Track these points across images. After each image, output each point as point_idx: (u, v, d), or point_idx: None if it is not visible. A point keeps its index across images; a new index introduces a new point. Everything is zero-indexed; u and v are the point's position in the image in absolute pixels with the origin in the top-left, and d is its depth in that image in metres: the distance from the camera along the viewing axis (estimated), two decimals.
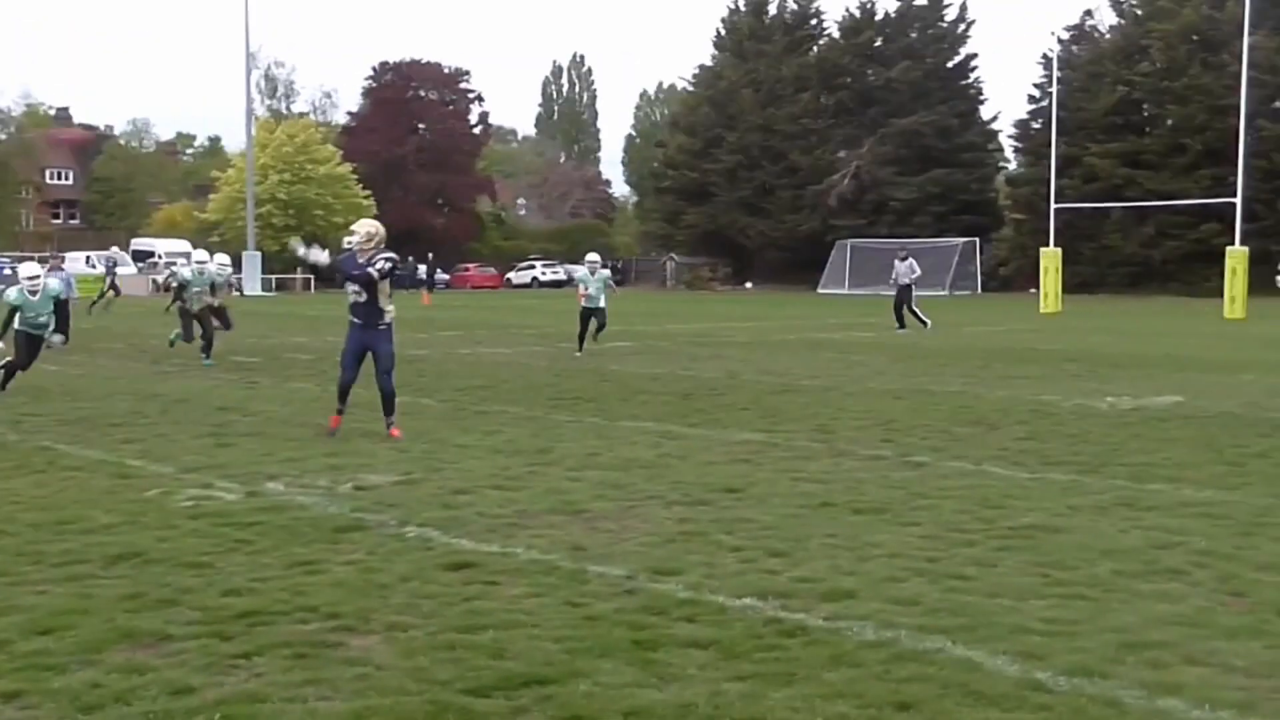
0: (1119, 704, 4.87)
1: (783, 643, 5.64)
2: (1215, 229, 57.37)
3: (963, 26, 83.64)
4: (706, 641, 5.64)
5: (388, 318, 12.17)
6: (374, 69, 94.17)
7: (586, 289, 23.00)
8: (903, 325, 31.28)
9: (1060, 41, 70.22)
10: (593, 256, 23.88)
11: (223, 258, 23.52)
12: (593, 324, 22.71)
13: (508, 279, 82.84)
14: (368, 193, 78.49)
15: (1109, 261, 68.71)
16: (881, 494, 9.25)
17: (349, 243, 12.20)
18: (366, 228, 12.18)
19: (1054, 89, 54.76)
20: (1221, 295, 42.23)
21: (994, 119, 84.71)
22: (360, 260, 11.96)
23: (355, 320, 12.21)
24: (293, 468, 10.38)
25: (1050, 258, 47.63)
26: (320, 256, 12.37)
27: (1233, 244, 43.15)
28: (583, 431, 12.67)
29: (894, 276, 32.73)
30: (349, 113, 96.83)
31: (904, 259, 32.53)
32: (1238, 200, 44.11)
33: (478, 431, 12.48)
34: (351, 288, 12.04)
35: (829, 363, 21.52)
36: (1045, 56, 72.09)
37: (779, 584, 6.66)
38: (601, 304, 22.77)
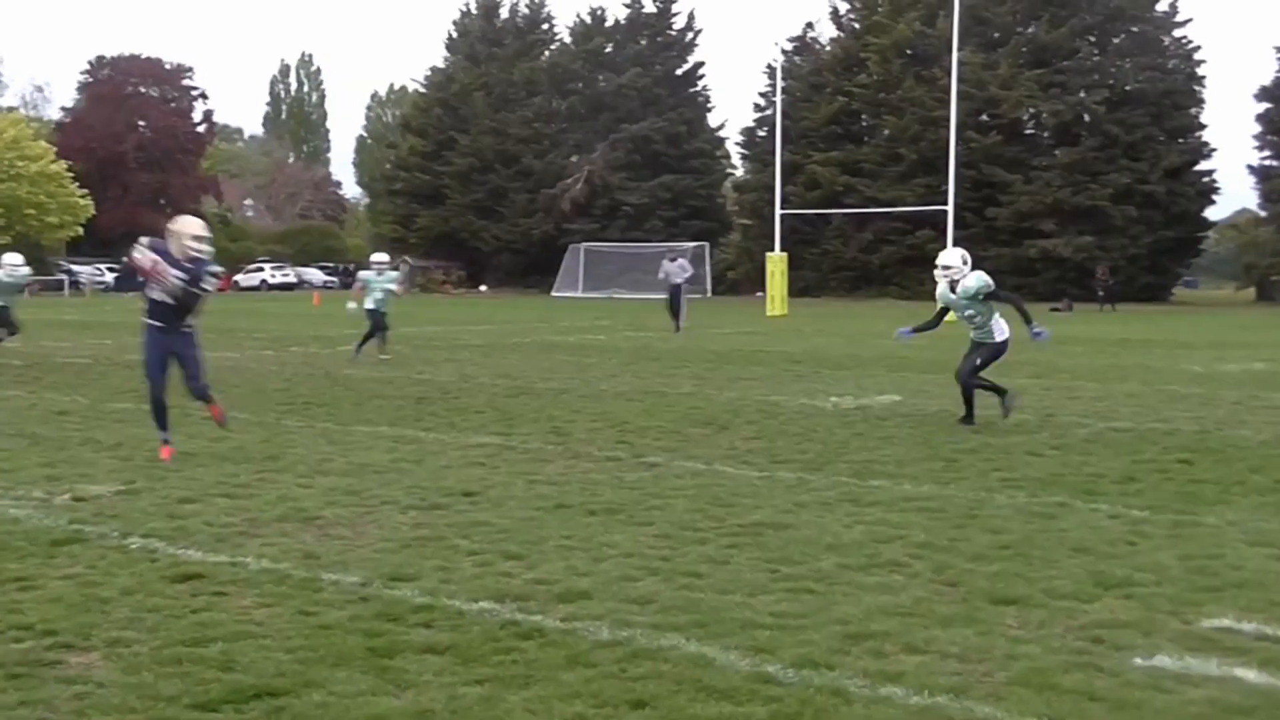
0: (844, 693, 5.04)
1: (520, 645, 5.64)
2: (929, 235, 60.16)
3: (690, 35, 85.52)
4: (443, 646, 5.60)
5: (194, 320, 11.13)
6: (90, 63, 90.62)
7: (368, 290, 22.35)
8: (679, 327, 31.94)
9: (784, 52, 72.50)
10: (380, 256, 23.43)
11: (14, 257, 22.04)
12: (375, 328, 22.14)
13: (235, 281, 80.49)
14: (85, 192, 75.09)
15: (831, 266, 71.33)
16: (616, 495, 9.35)
17: (196, 251, 10.82)
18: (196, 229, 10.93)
19: (778, 98, 56.47)
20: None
21: (721, 126, 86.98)
22: (186, 264, 10.73)
23: (156, 324, 10.98)
24: (3, 479, 9.85)
25: (776, 262, 49.01)
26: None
27: (944, 249, 45.41)
28: (314, 437, 12.42)
29: (663, 275, 33.24)
30: (63, 108, 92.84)
31: (673, 259, 33.14)
32: (949, 208, 46.41)
33: (204, 438, 12.08)
34: (158, 290, 10.78)
35: (563, 365, 21.66)
36: (770, 66, 74.25)
37: (515, 587, 6.66)
38: (384, 308, 22.26)
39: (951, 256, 14.16)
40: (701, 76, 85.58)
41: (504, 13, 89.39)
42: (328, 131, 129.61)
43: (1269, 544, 7.78)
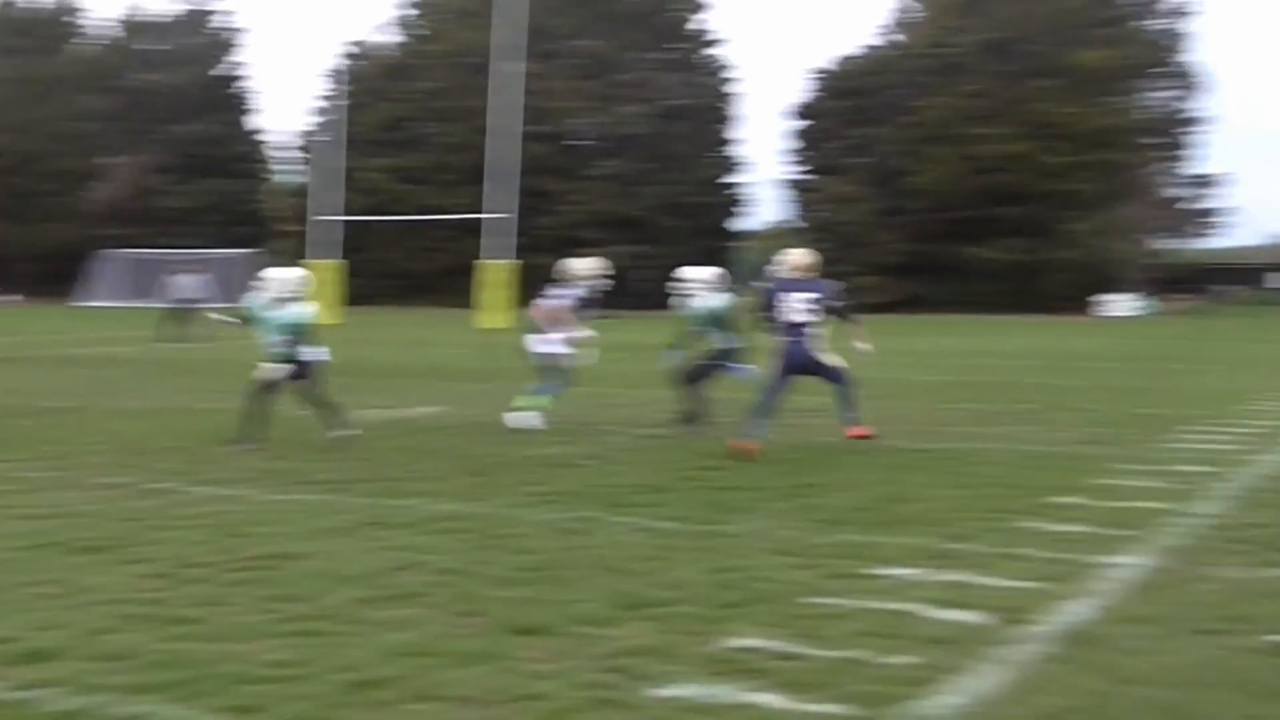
0: None
1: None
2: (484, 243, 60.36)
3: (233, 36, 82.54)
4: None
5: None
6: None
7: None
8: (186, 341, 30.64)
9: (343, 57, 71.11)
10: None
11: None
12: None
13: None
14: None
15: (385, 273, 70.37)
16: (112, 529, 8.37)
17: None
18: None
19: (343, 103, 55.25)
20: (493, 306, 44.43)
21: (268, 131, 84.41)
22: None
23: None
24: None
25: (325, 270, 47.72)
26: None
27: (498, 258, 45.61)
28: None
29: (171, 290, 32.13)
30: None
31: (187, 273, 31.98)
32: (496, 215, 46.60)
33: None
34: None
35: (79, 381, 19.97)
36: (328, 71, 72.70)
37: None
38: None
39: (694, 272, 14.67)
40: (245, 79, 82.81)
41: (37, 4, 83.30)
42: None
43: (790, 552, 7.77)
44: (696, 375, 14.31)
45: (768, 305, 12.29)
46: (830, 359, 12.18)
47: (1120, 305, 65.95)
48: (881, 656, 5.65)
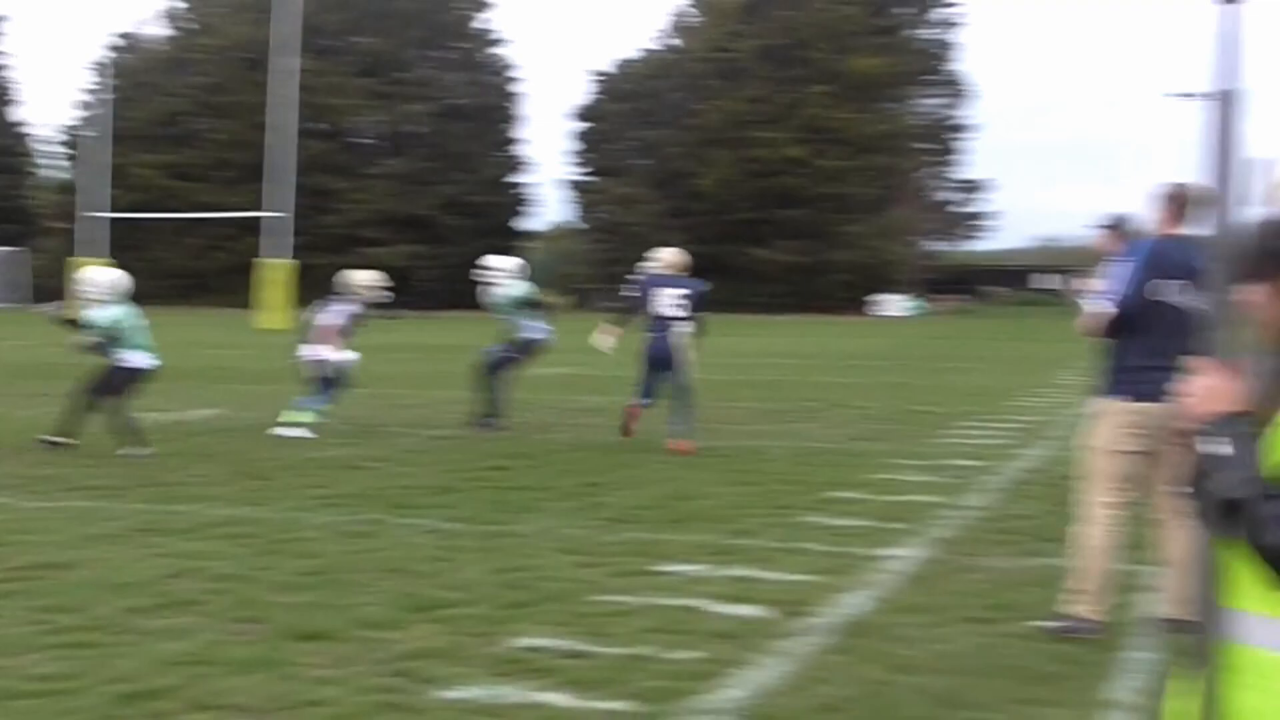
0: None
1: None
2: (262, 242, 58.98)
3: None
4: None
5: None
6: None
7: None
8: None
9: (109, 49, 68.56)
10: None
11: None
12: None
13: None
14: None
15: (163, 273, 68.05)
16: None
17: None
18: None
19: (108, 96, 53.24)
20: (272, 306, 43.48)
21: (33, 124, 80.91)
22: None
23: None
24: None
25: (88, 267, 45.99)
26: None
27: (276, 257, 44.65)
28: None
29: None
30: None
31: None
32: (273, 214, 45.62)
33: None
34: None
35: None
36: (94, 63, 70.01)
37: None
38: None
39: (498, 260, 15.05)
40: (8, 69, 79.12)
41: None
42: None
43: (577, 550, 7.80)
44: (495, 367, 14.36)
45: (638, 299, 12.89)
46: (690, 361, 12.73)
47: (894, 305, 68.11)
48: (667, 652, 5.72)
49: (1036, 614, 6.31)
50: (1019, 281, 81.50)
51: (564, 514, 9.09)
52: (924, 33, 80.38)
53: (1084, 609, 6.07)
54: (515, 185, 78.83)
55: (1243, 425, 2.31)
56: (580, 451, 12.36)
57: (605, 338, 13.44)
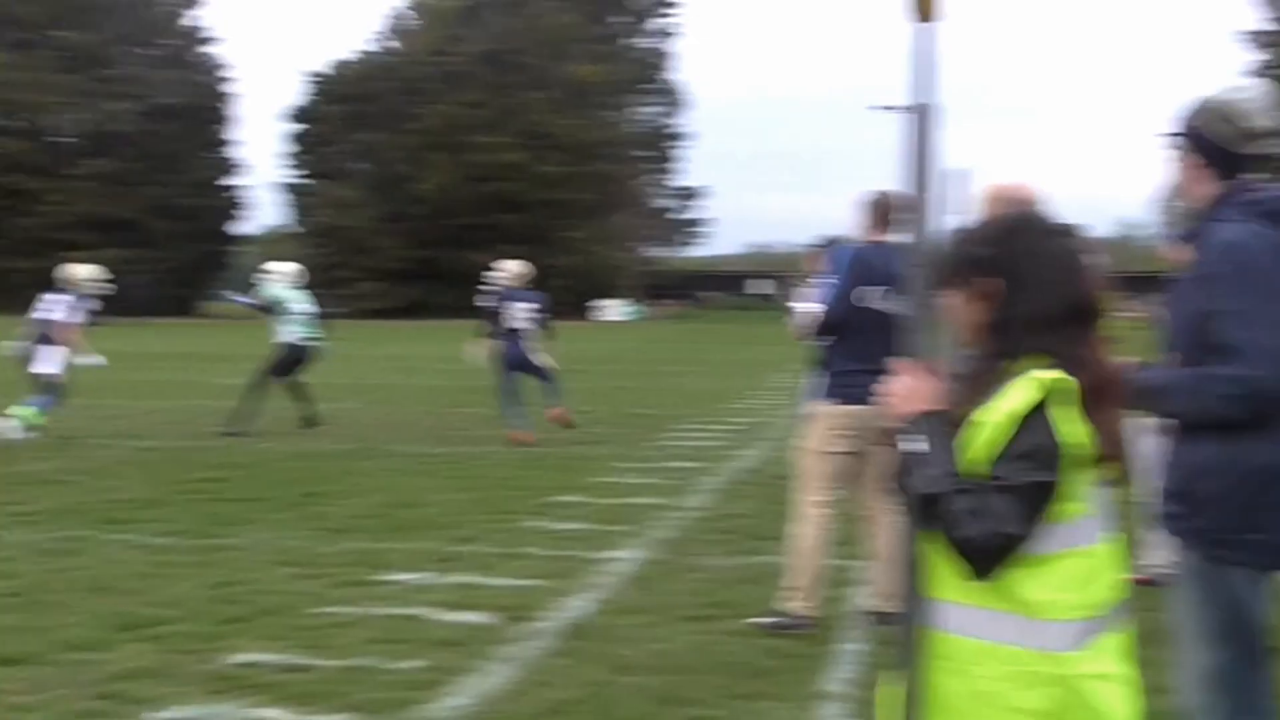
0: None
1: None
2: None
3: None
4: None
5: None
6: None
7: None
8: None
9: None
10: None
11: None
12: None
13: None
14: None
15: None
16: None
17: None
18: None
19: None
20: None
21: None
22: None
23: None
24: None
25: None
26: None
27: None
28: None
29: None
30: None
31: None
32: None
33: None
34: None
35: None
36: None
37: None
38: None
39: (277, 265, 15.39)
40: None
41: None
42: None
43: (293, 562, 7.62)
44: (274, 373, 14.56)
45: (494, 311, 14.06)
46: (542, 359, 14.01)
47: (614, 310, 68.98)
48: (389, 662, 5.64)
49: (753, 611, 6.47)
50: (734, 286, 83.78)
51: (282, 525, 8.87)
52: (641, 42, 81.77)
53: (798, 605, 6.26)
54: (228, 188, 76.55)
55: (940, 424, 2.42)
56: (300, 460, 12.08)
57: (475, 350, 14.81)
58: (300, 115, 77.43)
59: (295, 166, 77.79)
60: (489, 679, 5.48)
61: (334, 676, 5.45)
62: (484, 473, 11.52)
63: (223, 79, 76.13)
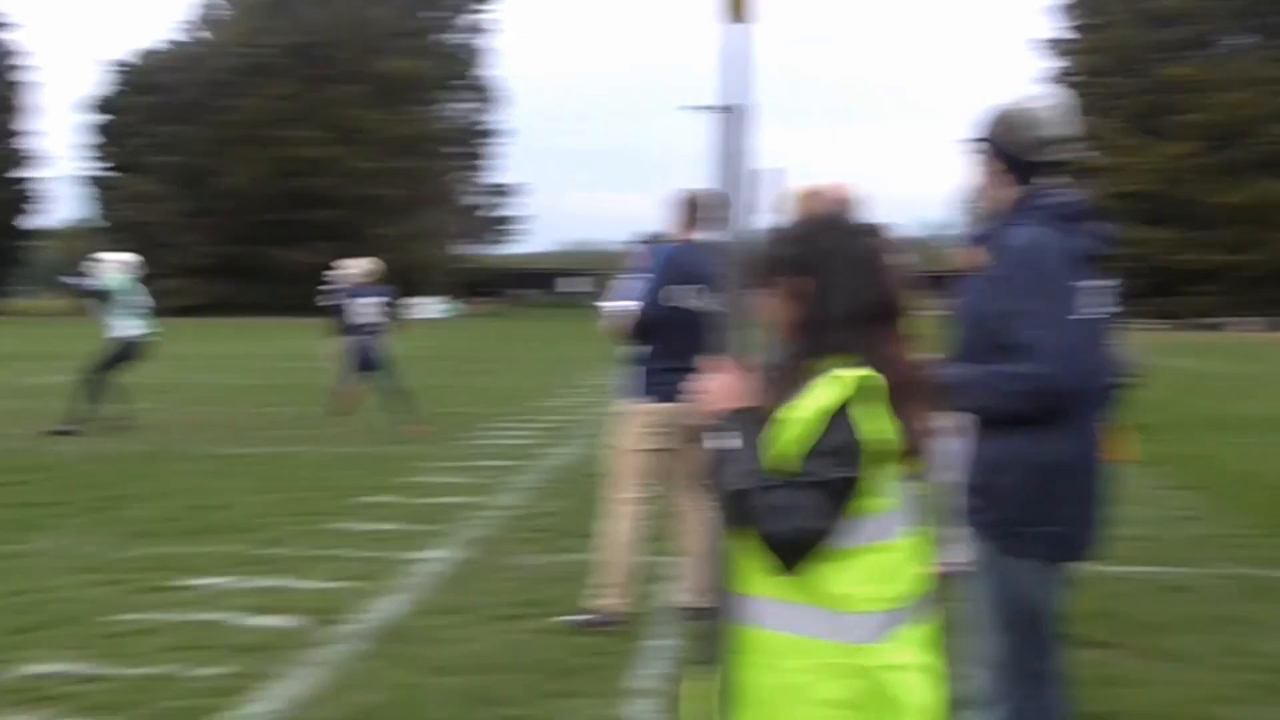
0: None
1: None
2: None
3: None
4: None
5: None
6: None
7: None
8: None
9: None
10: None
11: None
12: None
13: None
14: None
15: None
16: None
17: None
18: None
19: None
20: None
21: None
22: None
23: None
24: None
25: None
26: None
27: None
28: None
29: None
30: None
31: None
32: None
33: None
34: None
35: None
36: None
37: None
38: None
39: (110, 255, 15.04)
40: None
41: None
42: None
43: (92, 568, 7.36)
44: (107, 366, 14.18)
45: (340, 308, 14.33)
46: (389, 358, 14.37)
47: (426, 308, 68.35)
48: (192, 670, 5.48)
49: (565, 609, 6.47)
50: (549, 284, 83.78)
51: (81, 530, 8.55)
52: (453, 38, 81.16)
53: (610, 601, 6.28)
54: (21, 180, 73.59)
55: (750, 421, 2.44)
56: (101, 463, 11.67)
57: (327, 348, 15.01)
58: (104, 106, 74.89)
59: (97, 159, 75.21)
60: (295, 684, 5.37)
61: (133, 685, 5.28)
62: (291, 473, 11.29)
63: (17, 66, 73.18)
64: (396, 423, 14.02)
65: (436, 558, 7.85)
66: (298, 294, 67.66)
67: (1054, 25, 76.76)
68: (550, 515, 9.35)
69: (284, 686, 5.33)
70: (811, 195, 5.48)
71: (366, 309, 14.22)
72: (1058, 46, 75.62)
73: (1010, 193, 3.71)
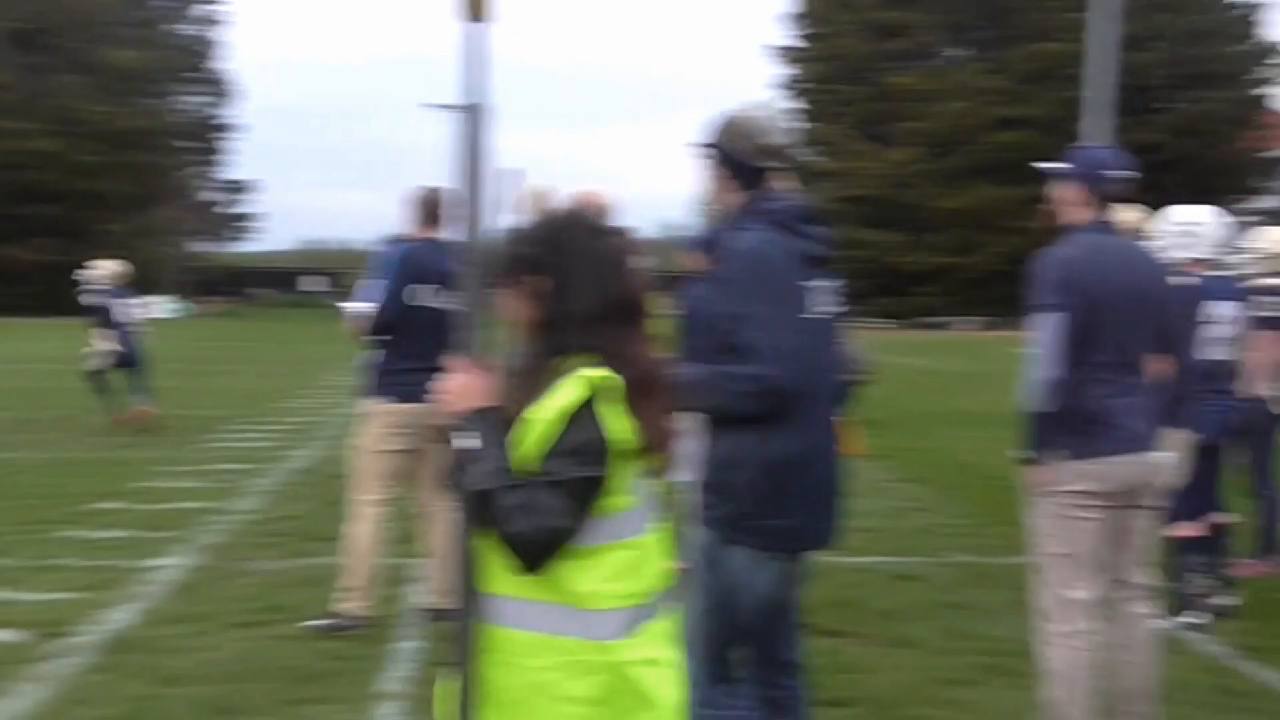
0: None
1: None
2: None
3: None
4: None
5: None
6: None
7: None
8: None
9: None
10: None
11: None
12: None
13: None
14: None
15: None
16: None
17: None
18: None
19: None
20: None
21: None
22: None
23: None
24: None
25: None
26: None
27: None
28: None
29: None
30: None
31: None
32: None
33: None
34: None
35: None
36: None
37: None
38: None
39: None
40: None
41: None
42: None
43: None
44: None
45: (103, 308, 14.77)
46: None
47: (157, 308, 65.96)
48: None
49: (307, 614, 6.36)
50: (287, 283, 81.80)
51: None
52: (185, 29, 78.50)
53: (353, 605, 6.20)
54: None
55: (493, 421, 2.46)
56: None
57: (104, 344, 14.91)
58: None
59: None
60: (18, 701, 5.13)
61: None
62: (12, 480, 10.76)
63: None
64: (112, 412, 14.70)
65: (171, 565, 7.60)
66: (19, 292, 64.54)
67: (784, 33, 79.06)
68: (291, 519, 9.16)
69: (6, 704, 5.09)
70: (551, 195, 5.52)
71: (128, 309, 15.09)
72: (788, 54, 77.86)
73: (737, 197, 3.85)
